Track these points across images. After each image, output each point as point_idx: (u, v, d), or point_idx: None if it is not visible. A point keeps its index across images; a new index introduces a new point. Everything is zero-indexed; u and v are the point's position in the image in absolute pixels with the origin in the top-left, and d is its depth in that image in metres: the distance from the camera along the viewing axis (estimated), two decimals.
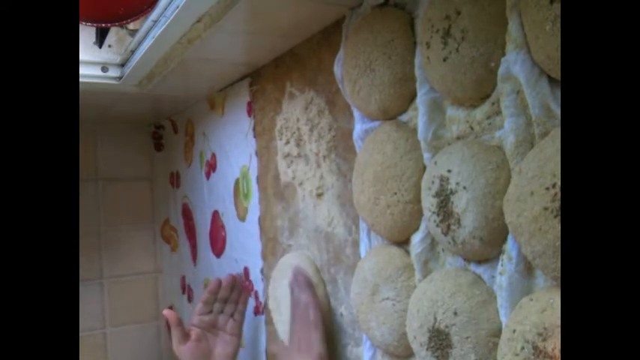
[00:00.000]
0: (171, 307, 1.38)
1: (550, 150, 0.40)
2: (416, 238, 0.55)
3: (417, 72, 0.53)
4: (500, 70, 0.44)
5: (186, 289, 1.27)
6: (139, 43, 0.78)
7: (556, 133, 0.40)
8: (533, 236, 0.40)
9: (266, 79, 0.86)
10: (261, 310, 0.92)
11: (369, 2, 0.60)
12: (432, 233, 0.52)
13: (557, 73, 0.40)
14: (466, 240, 0.47)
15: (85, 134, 1.29)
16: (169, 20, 0.66)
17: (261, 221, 0.91)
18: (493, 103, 0.47)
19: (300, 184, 0.78)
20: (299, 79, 0.77)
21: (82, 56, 0.86)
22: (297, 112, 0.77)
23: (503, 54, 0.44)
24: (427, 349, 0.50)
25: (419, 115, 0.53)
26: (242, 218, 0.97)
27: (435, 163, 0.50)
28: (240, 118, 0.95)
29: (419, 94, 0.53)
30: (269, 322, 0.88)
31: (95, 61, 0.88)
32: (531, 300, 0.42)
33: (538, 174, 0.40)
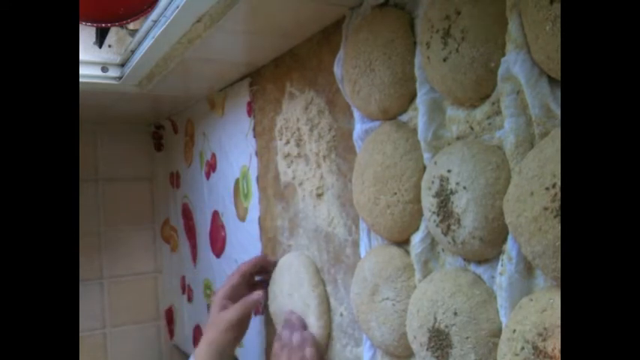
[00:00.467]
0: (171, 308, 1.38)
1: (550, 150, 0.40)
2: (416, 238, 0.55)
3: (417, 72, 0.53)
4: (500, 70, 0.44)
5: (186, 289, 1.27)
6: (139, 43, 0.78)
7: (556, 133, 0.40)
8: (533, 236, 0.40)
9: (266, 79, 0.86)
10: (260, 310, 0.92)
11: (369, 2, 0.60)
12: (432, 233, 0.52)
13: (557, 73, 0.40)
14: (466, 240, 0.47)
15: (85, 134, 1.29)
16: (169, 20, 0.66)
17: (261, 221, 0.91)
18: (493, 103, 0.47)
19: (300, 184, 0.78)
20: (299, 79, 0.77)
21: (82, 56, 0.86)
22: (297, 112, 0.77)
23: (503, 54, 0.44)
24: (427, 349, 0.50)
25: (419, 115, 0.53)
26: (242, 218, 0.97)
27: (435, 163, 0.50)
28: (240, 118, 0.95)
29: (419, 94, 0.53)
30: (269, 322, 0.88)
31: (95, 61, 0.88)
32: (531, 300, 0.42)
33: (538, 174, 0.40)
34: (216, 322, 0.80)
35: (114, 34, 0.87)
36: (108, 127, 1.33)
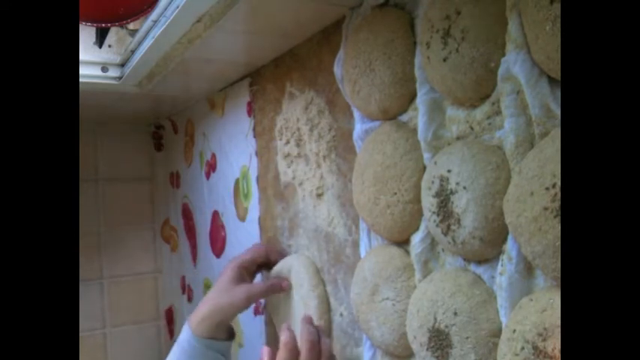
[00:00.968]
0: (171, 308, 1.38)
1: (550, 150, 0.40)
2: (416, 238, 0.55)
3: (417, 72, 0.53)
4: (500, 70, 0.44)
5: (186, 289, 1.27)
6: (139, 43, 0.78)
7: (556, 133, 0.40)
8: (533, 236, 0.40)
9: (266, 79, 0.86)
10: (260, 310, 0.92)
11: (369, 2, 0.60)
12: (432, 233, 0.52)
13: (557, 73, 0.40)
14: (466, 240, 0.47)
15: (85, 134, 1.29)
16: (169, 20, 0.66)
17: (261, 221, 0.91)
18: (493, 103, 0.47)
19: (300, 184, 0.78)
20: (299, 79, 0.77)
21: (82, 56, 0.86)
22: (297, 112, 0.77)
23: (503, 54, 0.44)
24: (427, 349, 0.50)
25: (419, 115, 0.53)
26: (242, 218, 0.97)
27: (435, 163, 0.50)
28: (240, 118, 0.95)
29: (419, 94, 0.53)
30: (269, 322, 0.88)
31: (95, 61, 0.88)
32: (531, 300, 0.42)
33: (538, 174, 0.40)
34: (232, 292, 0.75)
35: (114, 34, 0.87)
36: (108, 127, 1.33)
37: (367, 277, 0.59)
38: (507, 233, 0.45)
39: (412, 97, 0.55)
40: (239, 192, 0.98)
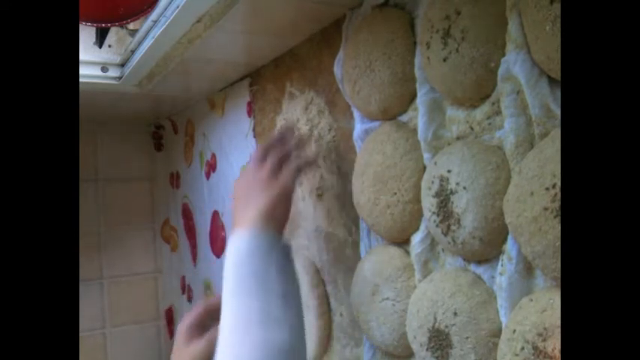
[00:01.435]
0: (171, 308, 1.38)
1: (550, 150, 0.40)
2: (416, 238, 0.55)
3: (417, 72, 0.53)
4: (500, 71, 0.44)
5: (186, 289, 1.27)
6: (139, 43, 0.78)
7: (556, 134, 0.40)
8: (533, 236, 0.40)
9: (266, 79, 0.86)
10: None
11: (369, 2, 0.60)
12: (432, 233, 0.52)
13: (557, 73, 0.40)
14: (466, 240, 0.47)
15: (85, 134, 1.29)
16: (169, 20, 0.66)
17: None
18: (493, 103, 0.47)
19: (300, 184, 0.78)
20: (299, 79, 0.77)
21: (82, 56, 0.86)
22: (297, 113, 0.77)
23: (503, 54, 0.44)
24: (427, 350, 0.50)
25: (419, 115, 0.53)
26: None
27: (435, 163, 0.50)
28: (240, 118, 0.95)
29: (419, 94, 0.53)
30: None
31: (95, 61, 0.88)
32: (531, 300, 0.42)
33: (538, 174, 0.40)
34: (184, 356, 0.67)
35: (114, 34, 0.87)
36: (108, 127, 1.33)
37: (367, 277, 0.59)
38: (507, 233, 0.45)
39: (412, 97, 0.55)
40: None
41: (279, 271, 0.58)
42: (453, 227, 0.48)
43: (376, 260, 0.59)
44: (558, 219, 0.38)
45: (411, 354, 0.56)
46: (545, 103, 0.41)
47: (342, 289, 0.70)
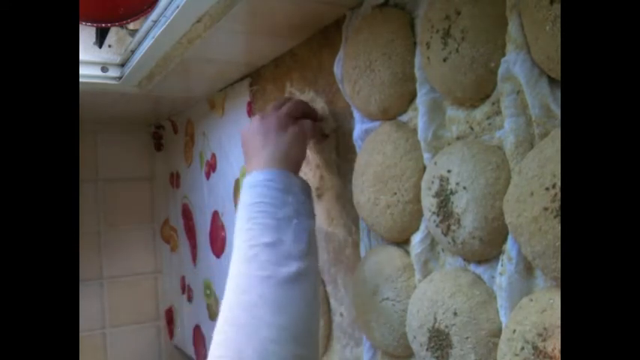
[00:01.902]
0: (171, 308, 1.38)
1: (550, 150, 0.40)
2: (416, 238, 0.55)
3: (417, 72, 0.53)
4: (500, 71, 0.44)
5: (186, 289, 1.27)
6: (139, 43, 0.78)
7: (556, 134, 0.40)
8: (533, 236, 0.40)
9: (266, 79, 0.86)
10: None
11: (369, 2, 0.60)
12: (432, 233, 0.52)
13: (557, 73, 0.40)
14: (466, 240, 0.47)
15: (85, 134, 1.29)
16: (169, 20, 0.66)
17: None
18: (493, 104, 0.47)
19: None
20: (299, 79, 0.77)
21: (82, 56, 0.86)
22: None
23: (503, 54, 0.44)
24: (427, 350, 0.50)
25: (419, 116, 0.53)
26: None
27: (435, 163, 0.50)
28: (240, 118, 0.95)
29: (419, 94, 0.53)
30: None
31: (95, 61, 0.88)
32: (531, 300, 0.42)
33: (538, 174, 0.40)
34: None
35: (114, 34, 0.87)
36: (108, 127, 1.33)
37: (367, 277, 0.59)
38: (507, 233, 0.45)
39: (412, 97, 0.55)
40: (239, 192, 0.98)
41: (298, 205, 0.57)
42: (453, 227, 0.48)
43: (376, 260, 0.59)
44: (558, 219, 0.38)
45: (411, 354, 0.56)
46: (545, 103, 0.42)
47: (342, 289, 0.70)
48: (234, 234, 0.56)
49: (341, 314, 0.70)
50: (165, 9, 0.66)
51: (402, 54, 0.54)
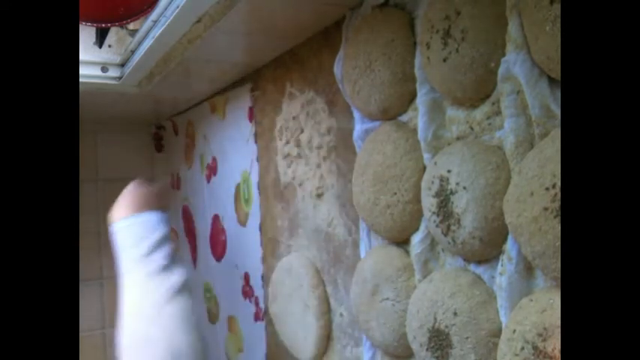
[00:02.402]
0: None
1: (550, 150, 0.40)
2: (416, 239, 0.55)
3: (417, 72, 0.53)
4: (500, 71, 0.44)
5: None
6: (139, 43, 0.78)
7: (556, 134, 0.40)
8: (533, 236, 0.40)
9: (266, 79, 0.86)
10: (261, 316, 0.92)
11: (369, 2, 0.60)
12: (432, 233, 0.52)
13: (557, 74, 0.40)
14: (466, 240, 0.47)
15: (85, 134, 1.29)
16: (169, 20, 0.66)
17: (261, 225, 0.90)
18: (493, 104, 0.47)
19: (300, 184, 0.78)
20: (299, 79, 0.77)
21: (82, 56, 0.86)
22: (297, 113, 0.77)
23: (503, 54, 0.44)
24: (427, 350, 0.50)
25: (419, 116, 0.53)
26: (243, 223, 0.97)
27: (435, 163, 0.50)
28: (242, 123, 0.94)
29: (419, 94, 0.53)
30: (269, 328, 0.88)
31: (95, 61, 0.88)
32: (531, 300, 0.42)
33: (538, 174, 0.40)
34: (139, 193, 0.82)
35: (114, 34, 0.87)
36: (108, 127, 1.33)
37: (367, 277, 0.59)
38: (507, 233, 0.45)
39: (412, 97, 0.55)
40: (240, 197, 0.98)
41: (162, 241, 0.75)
42: (453, 227, 0.48)
43: (376, 260, 0.59)
44: (558, 219, 0.38)
45: (411, 354, 0.56)
46: (545, 103, 0.41)
47: (342, 289, 0.70)
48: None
49: (341, 314, 0.70)
50: (165, 9, 0.66)
51: (402, 54, 0.54)
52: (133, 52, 0.82)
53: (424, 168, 0.53)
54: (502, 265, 0.46)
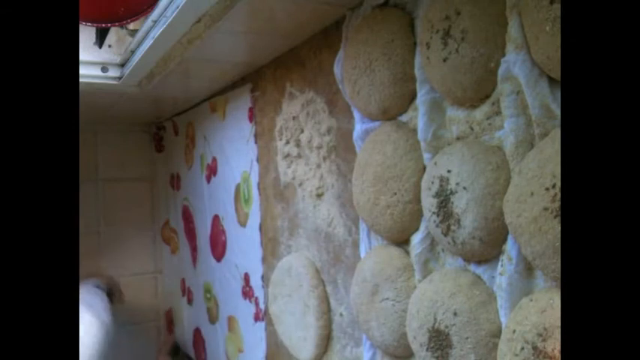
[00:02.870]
0: (170, 309, 1.38)
1: (550, 150, 0.40)
2: (416, 239, 0.55)
3: (417, 72, 0.53)
4: (500, 71, 0.44)
5: (186, 292, 1.27)
6: (139, 43, 0.78)
7: (556, 134, 0.40)
8: (533, 237, 0.40)
9: (266, 79, 0.86)
10: (261, 316, 0.92)
11: (369, 2, 0.60)
12: (432, 233, 0.52)
13: (557, 74, 0.40)
14: (466, 240, 0.47)
15: (85, 134, 1.29)
16: (169, 20, 0.66)
17: (261, 225, 0.90)
18: (493, 104, 0.47)
19: (300, 184, 0.78)
20: (299, 79, 0.77)
21: (82, 56, 0.86)
22: (296, 113, 0.77)
23: (503, 54, 0.44)
24: (427, 350, 0.50)
25: (419, 116, 0.53)
26: (243, 224, 0.97)
27: (435, 163, 0.50)
28: (242, 123, 0.94)
29: (419, 94, 0.53)
30: (269, 328, 0.88)
31: (95, 61, 0.88)
32: (531, 300, 0.42)
33: (538, 174, 0.40)
34: None
35: (114, 34, 0.87)
36: (108, 127, 1.33)
37: (367, 278, 0.59)
38: (507, 233, 0.45)
39: (412, 97, 0.55)
40: (240, 197, 0.98)
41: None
42: (453, 227, 0.48)
43: (376, 260, 0.59)
44: (558, 219, 0.38)
45: (411, 354, 0.56)
46: (545, 103, 0.41)
47: (341, 289, 0.70)
48: None
49: (341, 314, 0.70)
50: (166, 9, 0.66)
51: (402, 54, 0.54)
52: (133, 52, 0.82)
53: (424, 168, 0.53)
54: (502, 266, 0.46)
